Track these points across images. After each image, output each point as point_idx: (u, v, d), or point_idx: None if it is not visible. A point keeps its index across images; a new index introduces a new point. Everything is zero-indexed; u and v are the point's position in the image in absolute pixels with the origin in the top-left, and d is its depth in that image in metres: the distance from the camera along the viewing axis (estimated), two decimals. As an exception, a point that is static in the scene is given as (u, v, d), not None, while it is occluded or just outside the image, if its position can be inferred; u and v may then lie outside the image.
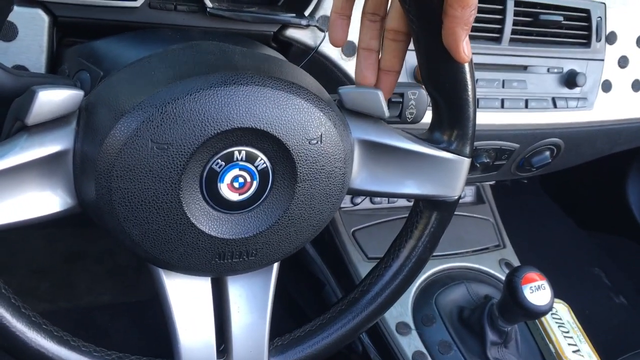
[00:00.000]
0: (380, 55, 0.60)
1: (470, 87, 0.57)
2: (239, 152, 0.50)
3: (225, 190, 0.51)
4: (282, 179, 0.52)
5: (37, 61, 0.66)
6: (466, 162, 0.61)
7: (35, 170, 0.47)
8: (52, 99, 0.47)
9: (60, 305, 1.33)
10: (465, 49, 0.53)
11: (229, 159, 0.50)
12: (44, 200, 0.49)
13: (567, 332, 1.04)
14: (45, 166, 0.48)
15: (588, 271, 1.64)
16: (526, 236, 1.56)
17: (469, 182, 1.22)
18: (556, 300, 1.09)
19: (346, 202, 1.14)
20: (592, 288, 1.59)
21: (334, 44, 0.60)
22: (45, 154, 0.47)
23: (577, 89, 0.99)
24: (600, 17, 0.99)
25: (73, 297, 1.36)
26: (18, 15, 0.65)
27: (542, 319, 1.04)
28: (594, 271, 1.65)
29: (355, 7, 0.59)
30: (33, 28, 0.66)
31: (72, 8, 0.67)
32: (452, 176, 0.61)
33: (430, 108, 0.62)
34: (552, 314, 1.06)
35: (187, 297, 0.57)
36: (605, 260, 1.67)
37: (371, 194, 0.68)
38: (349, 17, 0.59)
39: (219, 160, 0.49)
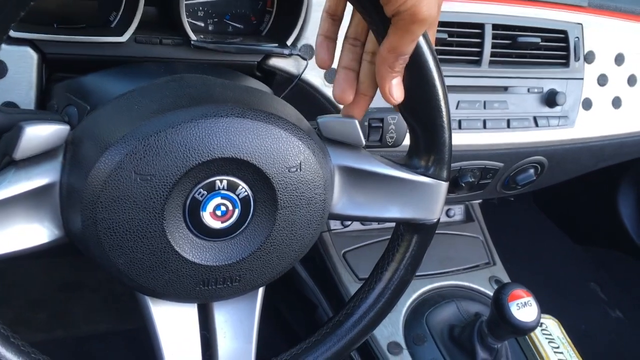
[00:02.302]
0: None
1: (444, 112, 0.59)
2: (221, 181, 0.52)
3: (207, 218, 0.52)
4: (263, 206, 0.54)
5: (27, 97, 0.68)
6: (444, 185, 0.63)
7: (23, 203, 0.49)
8: (39, 133, 0.49)
9: (57, 334, 1.34)
10: (393, 91, 0.55)
11: (211, 188, 0.51)
12: (32, 232, 0.50)
13: (557, 347, 1.05)
14: (32, 199, 0.49)
15: (583, 286, 1.65)
16: (518, 252, 1.57)
17: (456, 201, 1.23)
18: (546, 315, 1.10)
19: (336, 224, 1.16)
20: (588, 303, 1.60)
21: (321, 65, 0.61)
22: (33, 187, 0.49)
23: (558, 108, 1.01)
24: (577, 37, 1.01)
25: (69, 327, 1.36)
26: (7, 53, 0.67)
27: (532, 334, 1.05)
28: (589, 286, 1.65)
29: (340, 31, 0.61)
30: (22, 65, 0.68)
31: (60, 45, 0.69)
32: (431, 200, 0.63)
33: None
34: (542, 329, 1.07)
35: (173, 323, 0.58)
36: (600, 274, 1.67)
37: (352, 219, 0.70)
38: (334, 39, 0.60)
39: (201, 190, 0.51)
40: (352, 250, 1.12)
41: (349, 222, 1.16)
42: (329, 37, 0.60)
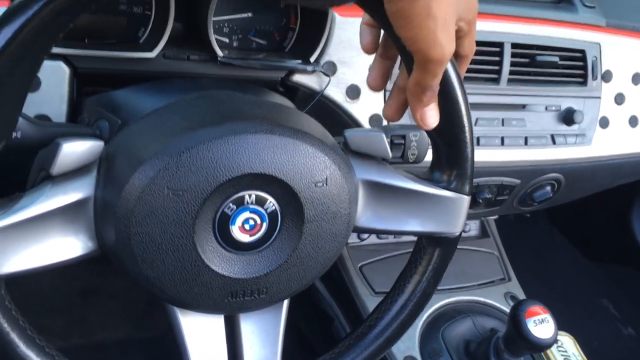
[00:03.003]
0: (397, 75, 0.61)
1: (467, 128, 0.60)
2: (249, 196, 0.53)
3: (236, 232, 0.54)
4: (290, 220, 0.55)
5: (59, 110, 0.70)
6: (466, 199, 0.64)
7: (59, 217, 0.51)
8: (75, 150, 0.50)
9: (74, 341, 1.35)
10: (425, 119, 0.56)
11: (240, 203, 0.53)
12: (67, 245, 0.52)
13: (573, 364, 1.05)
14: (68, 213, 0.51)
15: (596, 302, 1.65)
16: (533, 268, 1.57)
17: (472, 217, 1.24)
18: (562, 332, 1.10)
19: (353, 238, 1.16)
20: (600, 319, 1.59)
21: (366, 50, 0.61)
22: (69, 201, 0.51)
23: (575, 126, 1.02)
24: (595, 56, 1.02)
25: (87, 334, 1.37)
26: (41, 67, 0.69)
27: (548, 351, 1.05)
28: (601, 302, 1.65)
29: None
30: (55, 79, 0.70)
31: (92, 60, 0.71)
32: (453, 214, 0.64)
33: (431, 148, 0.65)
34: (557, 346, 1.07)
35: (201, 334, 0.59)
36: (613, 291, 1.67)
37: (375, 232, 0.71)
38: (377, 26, 0.60)
39: (231, 204, 0.52)
40: (368, 263, 1.13)
41: (366, 236, 1.17)
42: (371, 24, 0.60)
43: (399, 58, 0.59)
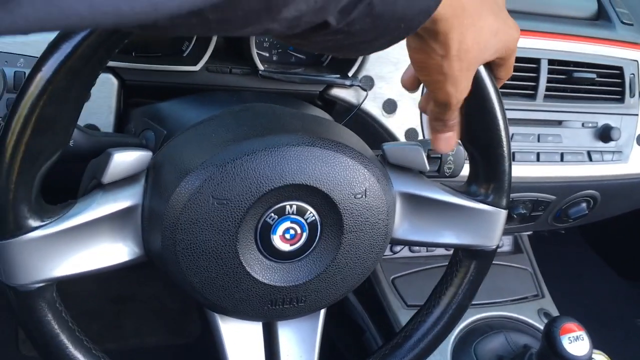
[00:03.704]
0: None
1: (505, 142, 0.61)
2: (291, 206, 0.54)
3: (277, 241, 0.55)
4: (330, 230, 0.57)
5: (107, 120, 0.73)
6: (503, 213, 0.64)
7: (108, 223, 0.53)
8: (125, 160, 0.52)
9: (107, 346, 1.38)
10: (439, 144, 0.58)
11: (281, 213, 0.54)
12: (116, 251, 0.54)
13: (607, 383, 1.04)
14: (117, 220, 0.53)
15: (631, 322, 1.62)
16: (566, 286, 1.55)
17: (506, 232, 1.24)
18: (596, 351, 1.09)
19: (386, 251, 1.17)
20: (636, 340, 1.57)
21: (406, 87, 0.62)
22: (118, 209, 0.53)
23: (612, 143, 1.02)
24: (633, 73, 1.02)
25: (120, 339, 1.40)
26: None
27: (582, 369, 1.04)
28: (636, 322, 1.62)
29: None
30: (104, 91, 0.72)
31: (139, 73, 0.74)
32: (490, 227, 0.65)
33: (467, 163, 0.65)
34: (592, 364, 1.06)
35: (240, 340, 0.61)
36: (647, 310, 1.64)
37: (412, 244, 0.71)
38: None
39: (272, 214, 0.54)
40: (401, 276, 1.14)
41: (398, 249, 1.17)
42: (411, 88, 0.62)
43: None
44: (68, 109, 0.48)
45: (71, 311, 1.42)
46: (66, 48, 0.44)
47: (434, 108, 0.55)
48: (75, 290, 1.43)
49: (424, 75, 0.51)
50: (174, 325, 1.43)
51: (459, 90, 0.52)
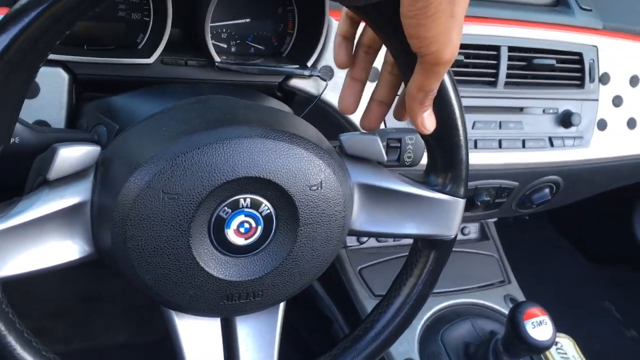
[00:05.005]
0: (375, 87, 0.63)
1: (461, 131, 0.60)
2: (244, 199, 0.53)
3: (232, 235, 0.54)
4: (285, 223, 0.56)
5: (58, 116, 0.71)
6: (461, 202, 0.64)
7: (56, 221, 0.51)
8: (72, 155, 0.51)
9: (76, 346, 1.35)
10: (425, 123, 0.57)
11: (235, 206, 0.53)
12: (64, 249, 0.53)
13: (573, 366, 1.05)
14: (65, 217, 0.52)
15: (598, 305, 1.65)
16: (533, 271, 1.57)
17: (471, 220, 1.24)
18: (561, 334, 1.10)
19: (352, 241, 1.17)
20: (602, 322, 1.59)
21: (340, 65, 0.62)
22: (65, 205, 0.51)
23: (573, 128, 1.03)
24: (592, 59, 1.03)
25: (89, 338, 1.38)
26: (40, 74, 0.67)
27: (547, 353, 1.05)
28: (604, 305, 1.65)
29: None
30: (54, 85, 0.70)
31: (90, 66, 0.72)
32: (448, 216, 0.64)
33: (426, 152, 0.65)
34: (557, 348, 1.07)
35: (197, 337, 0.60)
36: (615, 293, 1.67)
37: (371, 235, 0.71)
38: (352, 40, 0.61)
39: (226, 208, 0.53)
40: (368, 266, 1.14)
41: (365, 239, 1.17)
42: (347, 37, 0.61)
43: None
44: (7, 105, 0.46)
45: (36, 311, 1.40)
46: (3, 40, 0.43)
47: (424, 80, 0.53)
48: (40, 290, 1.41)
49: (430, 29, 0.48)
50: (143, 322, 1.41)
51: (459, 39, 0.50)
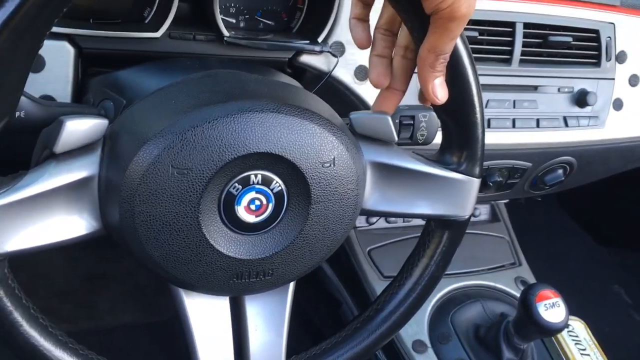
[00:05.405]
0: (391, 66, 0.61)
1: (477, 109, 0.59)
2: (255, 176, 0.52)
3: (242, 212, 0.53)
4: (297, 201, 0.54)
5: (64, 91, 0.69)
6: (476, 182, 0.63)
7: (63, 195, 0.50)
8: (79, 128, 0.49)
9: (82, 325, 1.36)
10: (436, 91, 0.55)
11: (246, 183, 0.52)
12: (71, 224, 0.51)
13: (584, 349, 1.04)
14: (72, 191, 0.50)
15: (607, 288, 1.64)
16: (544, 253, 1.56)
17: (483, 201, 1.23)
18: (573, 317, 1.09)
19: (362, 222, 1.16)
20: (612, 305, 1.59)
21: (360, 45, 0.60)
22: (72, 179, 0.50)
23: (589, 108, 1.00)
24: (609, 37, 1.00)
25: (94, 318, 1.38)
26: (45, 47, 0.68)
27: (559, 336, 1.04)
28: (613, 288, 1.64)
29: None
30: (59, 60, 0.69)
31: (97, 40, 0.70)
32: (462, 196, 0.63)
33: (440, 130, 0.63)
34: (568, 331, 1.06)
35: (206, 316, 0.59)
36: (625, 277, 1.66)
37: (383, 214, 0.70)
38: (367, 21, 0.60)
39: (236, 184, 0.52)
40: (377, 248, 1.13)
41: (374, 220, 1.16)
42: (361, 19, 0.60)
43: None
44: (13, 73, 0.45)
45: (43, 291, 1.40)
46: (9, 6, 0.41)
47: (437, 40, 0.51)
48: (45, 270, 1.41)
49: None
50: (148, 302, 1.41)
51: None
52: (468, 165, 0.62)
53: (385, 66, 0.60)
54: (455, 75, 0.56)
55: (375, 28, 0.60)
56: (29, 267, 1.39)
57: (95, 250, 1.44)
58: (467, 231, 0.66)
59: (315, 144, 0.53)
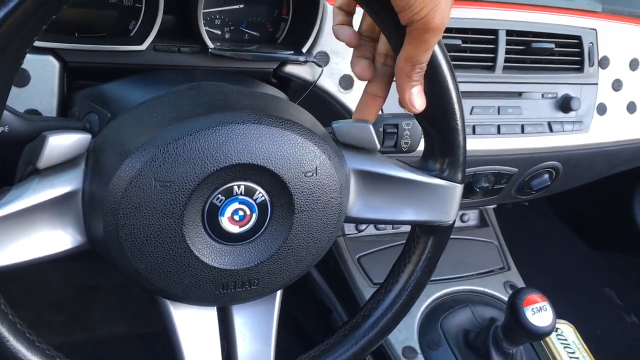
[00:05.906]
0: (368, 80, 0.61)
1: (458, 116, 0.59)
2: (238, 186, 0.53)
3: (226, 223, 0.53)
4: (280, 210, 0.55)
5: (49, 105, 0.70)
6: (459, 187, 0.63)
7: (47, 210, 0.50)
8: (62, 143, 0.50)
9: (74, 337, 1.35)
10: (413, 100, 0.56)
11: (229, 194, 0.52)
12: (56, 239, 0.52)
13: (573, 352, 1.05)
14: (56, 206, 0.51)
15: (598, 291, 1.64)
16: (533, 258, 1.56)
17: (471, 206, 1.24)
18: (561, 321, 1.10)
19: (351, 229, 1.16)
20: (603, 308, 1.59)
21: (349, 43, 0.61)
22: (56, 195, 0.50)
23: (572, 113, 1.02)
24: (592, 42, 1.02)
25: (87, 329, 1.38)
26: (30, 62, 0.69)
27: (547, 339, 1.05)
28: (604, 291, 1.65)
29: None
30: (44, 74, 0.69)
31: (81, 54, 0.71)
32: (446, 202, 0.63)
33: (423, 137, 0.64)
34: (557, 334, 1.06)
35: (193, 326, 0.59)
36: (616, 279, 1.66)
37: (368, 222, 0.70)
38: (350, 24, 0.60)
39: (219, 195, 0.52)
40: (366, 255, 1.13)
41: (364, 227, 1.17)
42: (345, 24, 0.60)
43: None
44: None
45: (35, 303, 1.39)
46: None
47: (413, 50, 0.52)
48: (38, 282, 1.40)
49: None
50: (140, 313, 1.41)
51: (448, 7, 0.49)
52: (450, 172, 0.62)
53: (369, 62, 0.60)
54: (434, 83, 0.57)
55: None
56: (21, 279, 1.39)
57: (88, 262, 1.44)
58: (455, 236, 0.67)
59: (297, 154, 0.53)
